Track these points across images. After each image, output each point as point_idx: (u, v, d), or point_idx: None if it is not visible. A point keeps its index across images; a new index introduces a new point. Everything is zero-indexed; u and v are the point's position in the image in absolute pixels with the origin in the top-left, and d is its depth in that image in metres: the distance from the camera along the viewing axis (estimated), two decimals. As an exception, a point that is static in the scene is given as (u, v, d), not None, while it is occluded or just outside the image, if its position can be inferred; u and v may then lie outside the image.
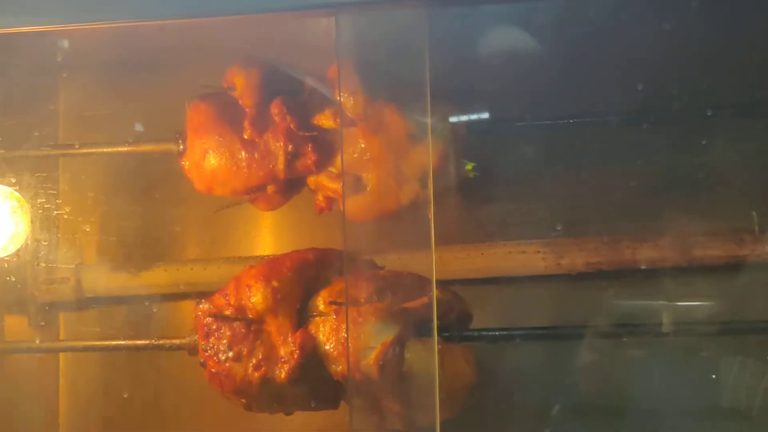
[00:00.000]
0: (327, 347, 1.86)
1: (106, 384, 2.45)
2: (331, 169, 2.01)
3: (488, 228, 2.26)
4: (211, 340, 1.89)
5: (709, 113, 2.01)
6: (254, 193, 2.05)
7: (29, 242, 2.07)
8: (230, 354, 1.87)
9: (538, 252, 2.21)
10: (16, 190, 2.00)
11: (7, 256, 2.00)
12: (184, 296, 2.39)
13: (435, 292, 1.72)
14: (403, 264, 1.99)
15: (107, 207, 2.39)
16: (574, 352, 2.13)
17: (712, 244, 2.13)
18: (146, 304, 2.39)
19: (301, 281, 1.93)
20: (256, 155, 2.00)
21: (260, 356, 1.87)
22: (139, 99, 2.33)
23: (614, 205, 2.20)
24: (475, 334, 1.95)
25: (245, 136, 2.02)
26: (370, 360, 1.80)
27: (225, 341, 1.88)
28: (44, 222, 2.17)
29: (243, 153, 2.01)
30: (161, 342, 2.05)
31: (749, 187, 2.12)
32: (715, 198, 2.14)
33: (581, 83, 2.17)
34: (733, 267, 2.12)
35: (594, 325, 2.04)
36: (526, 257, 2.22)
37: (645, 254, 2.16)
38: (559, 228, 2.21)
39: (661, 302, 2.14)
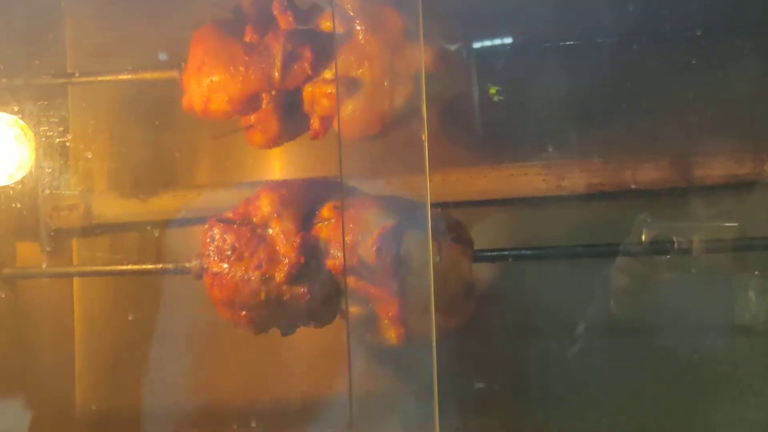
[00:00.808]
0: (329, 249, 1.89)
1: (119, 308, 2.50)
2: (326, 74, 2.00)
3: (491, 150, 2.28)
4: (214, 244, 1.93)
5: (698, 33, 2.02)
6: (250, 108, 2.03)
7: (34, 170, 2.09)
8: (232, 256, 1.90)
9: (540, 174, 2.23)
10: (20, 118, 2.02)
11: (13, 184, 2.03)
12: (193, 222, 2.43)
13: (430, 215, 1.74)
14: (402, 188, 2.00)
15: (114, 134, 2.42)
16: (576, 273, 2.17)
17: (712, 163, 2.14)
18: (155, 229, 2.44)
19: (309, 195, 1.98)
20: (254, 57, 2.00)
21: (261, 256, 1.90)
22: (145, 28, 2.34)
23: (614, 126, 2.20)
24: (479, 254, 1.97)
25: (246, 39, 2.04)
26: (368, 242, 1.83)
27: (228, 245, 1.91)
28: (49, 150, 2.19)
29: (242, 56, 2.01)
30: (168, 266, 2.08)
31: (747, 107, 2.12)
32: (712, 118, 2.15)
33: (576, 6, 2.17)
34: (733, 186, 2.13)
35: (596, 244, 2.06)
36: (527, 179, 2.24)
37: (646, 175, 2.17)
38: (559, 149, 2.22)
39: (663, 222, 2.15)
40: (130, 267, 2.13)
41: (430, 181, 1.79)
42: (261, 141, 2.06)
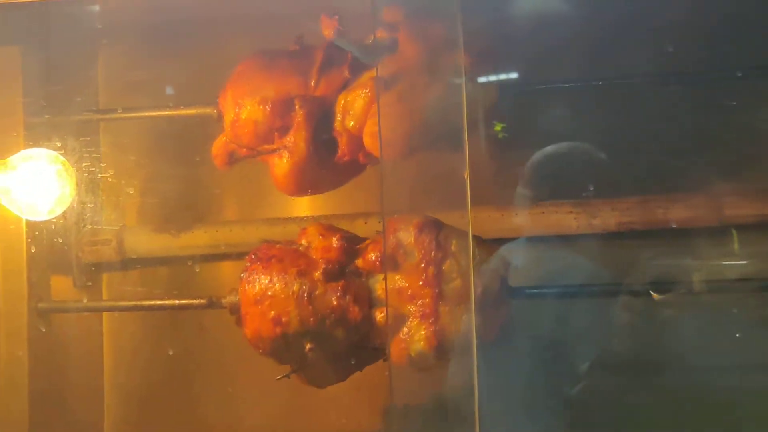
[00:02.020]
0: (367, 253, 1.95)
1: (148, 342, 2.54)
2: (363, 79, 2.03)
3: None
4: (254, 276, 1.96)
5: (739, 74, 2.05)
6: (281, 116, 2.04)
7: (75, 205, 2.13)
8: (274, 276, 1.94)
9: (571, 212, 2.26)
10: (61, 154, 2.07)
11: (54, 218, 2.07)
12: (223, 257, 2.47)
13: (472, 248, 1.78)
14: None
15: (148, 170, 2.46)
16: (606, 310, 2.18)
17: (743, 203, 2.17)
18: (187, 264, 2.48)
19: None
20: (294, 61, 2.05)
21: (301, 266, 1.94)
22: (178, 65, 2.39)
23: (646, 165, 2.23)
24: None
25: (290, 48, 2.08)
26: (409, 228, 1.89)
27: (271, 265, 1.95)
28: (88, 185, 2.23)
29: (281, 60, 2.06)
30: (202, 301, 2.11)
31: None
32: (745, 158, 2.18)
33: (611, 45, 2.22)
34: (764, 226, 2.16)
35: (626, 283, 2.09)
36: (558, 217, 2.27)
37: (677, 214, 2.20)
38: (591, 188, 2.25)
39: (692, 261, 2.18)
40: (167, 302, 2.18)
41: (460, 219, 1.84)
42: (286, 167, 2.06)
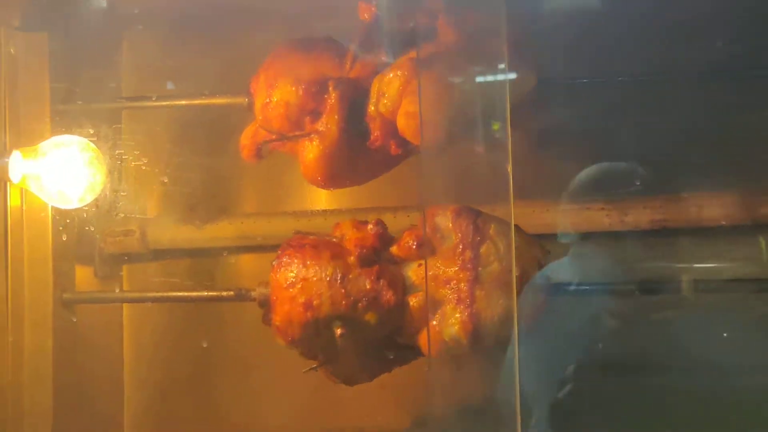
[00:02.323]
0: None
1: (169, 336, 2.52)
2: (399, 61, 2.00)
3: (554, 185, 2.29)
4: (288, 252, 1.94)
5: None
6: (314, 98, 2.01)
7: (104, 193, 2.11)
8: (308, 261, 1.91)
9: (603, 209, 2.24)
10: (92, 140, 2.05)
11: (83, 207, 2.05)
12: (248, 249, 2.44)
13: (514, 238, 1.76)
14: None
15: (172, 160, 2.43)
16: (637, 308, 2.17)
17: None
18: (210, 257, 2.46)
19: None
20: (330, 44, 2.04)
21: (335, 252, 1.92)
22: (208, 54, 2.37)
23: (680, 162, 2.21)
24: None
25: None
26: (447, 212, 1.87)
27: (304, 251, 1.93)
28: (115, 173, 2.22)
29: (318, 44, 2.04)
30: (230, 293, 2.09)
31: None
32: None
33: (648, 39, 2.20)
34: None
35: (658, 281, 2.07)
36: (590, 213, 2.25)
37: (711, 212, 2.18)
38: (624, 185, 2.24)
39: (725, 262, 2.17)
40: (195, 294, 2.16)
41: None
42: (316, 152, 2.02)
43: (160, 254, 2.50)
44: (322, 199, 2.46)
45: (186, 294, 2.15)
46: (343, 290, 1.89)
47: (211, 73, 2.30)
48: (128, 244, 2.44)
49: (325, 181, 2.08)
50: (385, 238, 1.94)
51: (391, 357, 2.02)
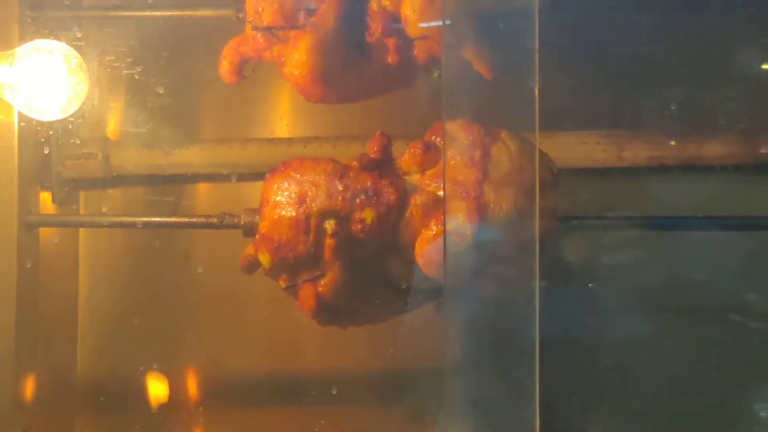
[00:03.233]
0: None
1: (127, 269, 2.42)
2: None
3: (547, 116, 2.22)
4: (288, 162, 1.83)
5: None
6: None
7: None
8: (306, 166, 1.80)
9: (599, 143, 2.19)
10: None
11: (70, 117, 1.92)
12: (219, 178, 2.34)
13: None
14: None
15: (137, 80, 2.29)
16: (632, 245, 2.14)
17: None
18: (175, 184, 2.35)
19: None
20: None
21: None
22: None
23: (679, 97, 2.18)
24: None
25: None
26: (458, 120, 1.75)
27: (304, 162, 1.82)
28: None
29: None
30: (213, 219, 1.98)
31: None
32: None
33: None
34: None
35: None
36: (585, 148, 2.20)
37: (711, 150, 2.15)
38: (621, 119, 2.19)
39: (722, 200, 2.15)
40: (173, 219, 2.05)
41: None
42: (309, 43, 1.87)
43: (120, 180, 2.36)
44: (302, 127, 2.35)
45: (166, 219, 2.02)
46: (340, 186, 1.77)
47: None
48: (89, 168, 2.30)
49: (314, 83, 1.90)
50: (389, 151, 1.83)
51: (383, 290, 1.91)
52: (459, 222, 1.71)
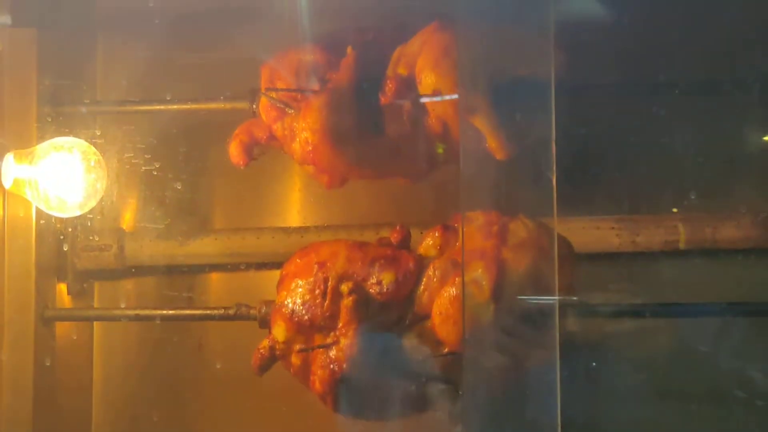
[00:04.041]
0: None
1: (141, 360, 2.43)
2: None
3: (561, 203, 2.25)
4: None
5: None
6: (331, 51, 1.94)
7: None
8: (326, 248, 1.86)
9: (613, 228, 2.22)
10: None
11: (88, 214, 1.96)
12: (233, 268, 2.36)
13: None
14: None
15: (154, 171, 2.33)
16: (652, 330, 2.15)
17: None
18: (190, 275, 2.37)
19: None
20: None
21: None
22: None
23: (693, 181, 2.20)
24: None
25: None
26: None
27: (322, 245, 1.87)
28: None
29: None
30: (228, 311, 2.00)
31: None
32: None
33: (656, 53, 2.19)
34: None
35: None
36: (600, 233, 2.22)
37: (726, 233, 2.17)
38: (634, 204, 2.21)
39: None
40: (188, 312, 2.10)
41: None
42: (322, 101, 1.91)
43: (138, 272, 2.38)
44: (315, 216, 2.37)
45: (181, 312, 2.07)
46: (360, 254, 1.83)
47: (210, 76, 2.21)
48: (103, 260, 2.33)
49: (324, 142, 1.93)
50: (408, 243, 1.88)
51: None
52: (477, 274, 1.76)
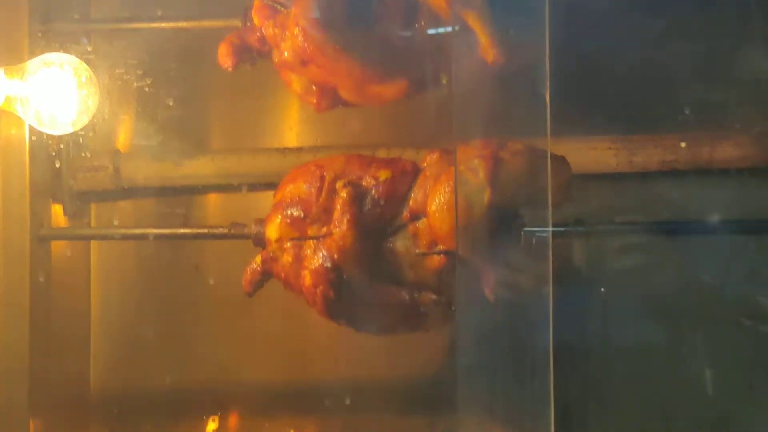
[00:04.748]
0: None
1: (139, 282, 2.45)
2: None
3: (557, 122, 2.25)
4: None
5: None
6: None
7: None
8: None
9: (610, 148, 2.21)
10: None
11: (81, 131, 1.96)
12: (229, 188, 2.37)
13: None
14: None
15: (150, 90, 2.33)
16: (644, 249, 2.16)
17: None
18: (184, 196, 2.38)
19: None
20: None
21: None
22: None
23: (691, 100, 2.19)
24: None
25: None
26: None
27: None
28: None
29: None
30: (223, 229, 2.01)
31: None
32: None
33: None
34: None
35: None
36: (596, 153, 2.22)
37: (724, 152, 2.17)
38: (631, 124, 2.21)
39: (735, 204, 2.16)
40: (184, 231, 2.10)
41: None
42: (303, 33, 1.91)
43: (131, 192, 2.39)
44: (312, 136, 2.38)
45: (176, 231, 2.08)
46: (357, 159, 1.87)
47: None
48: (100, 181, 2.34)
49: (315, 36, 1.91)
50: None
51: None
52: (473, 164, 1.77)
